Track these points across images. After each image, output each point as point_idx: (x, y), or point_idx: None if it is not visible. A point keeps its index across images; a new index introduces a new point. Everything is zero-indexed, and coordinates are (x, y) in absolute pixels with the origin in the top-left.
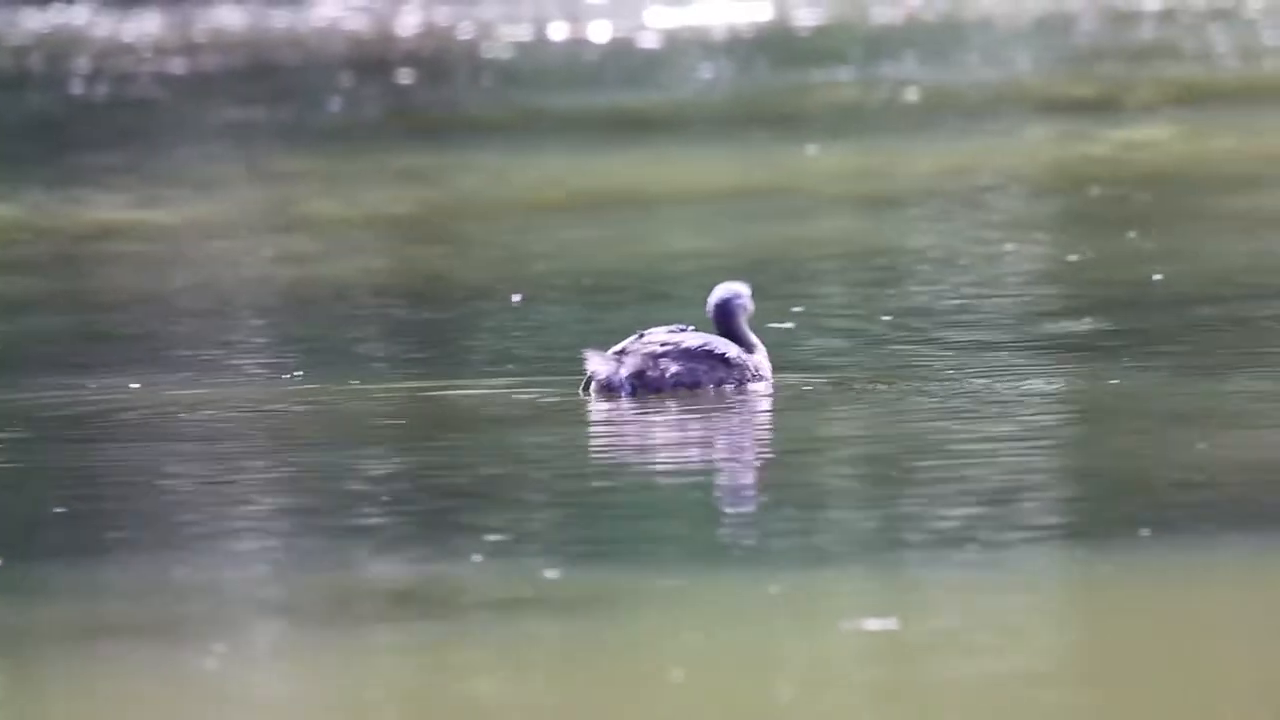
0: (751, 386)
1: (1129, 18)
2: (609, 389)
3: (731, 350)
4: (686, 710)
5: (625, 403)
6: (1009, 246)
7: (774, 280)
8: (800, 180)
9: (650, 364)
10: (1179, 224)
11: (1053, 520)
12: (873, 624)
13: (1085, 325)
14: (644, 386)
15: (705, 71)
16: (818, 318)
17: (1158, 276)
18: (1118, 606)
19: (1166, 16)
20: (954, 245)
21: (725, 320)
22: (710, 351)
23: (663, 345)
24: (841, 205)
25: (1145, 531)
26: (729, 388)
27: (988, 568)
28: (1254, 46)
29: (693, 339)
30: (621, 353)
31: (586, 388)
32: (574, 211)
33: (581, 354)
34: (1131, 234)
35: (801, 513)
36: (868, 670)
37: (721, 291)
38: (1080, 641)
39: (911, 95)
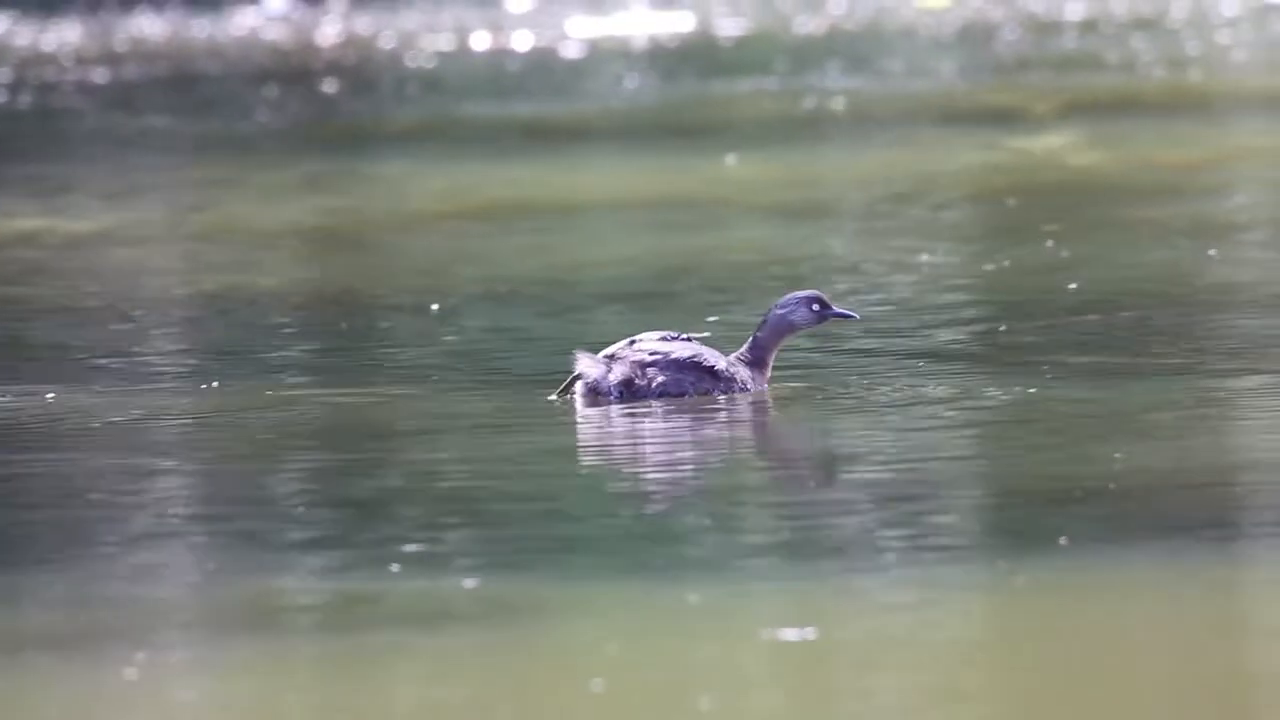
0: (737, 398)
1: (1051, 27)
2: (596, 393)
3: (720, 362)
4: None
5: (560, 409)
6: (925, 256)
7: (690, 289)
8: (719, 190)
9: (639, 373)
10: (1097, 233)
11: (970, 530)
12: (791, 634)
13: (1002, 334)
14: (631, 395)
15: (628, 81)
16: (735, 327)
17: (1073, 285)
18: (1035, 616)
19: (1089, 26)
20: (871, 254)
21: (768, 328)
22: (699, 363)
23: (652, 354)
24: (760, 214)
25: (1063, 540)
26: (716, 398)
27: (906, 578)
28: (1178, 56)
29: (683, 349)
30: (611, 358)
31: (566, 390)
32: (494, 220)
33: (572, 355)
34: (1049, 243)
35: (722, 522)
36: (786, 680)
37: (785, 307)
38: (997, 652)
39: (834, 105)
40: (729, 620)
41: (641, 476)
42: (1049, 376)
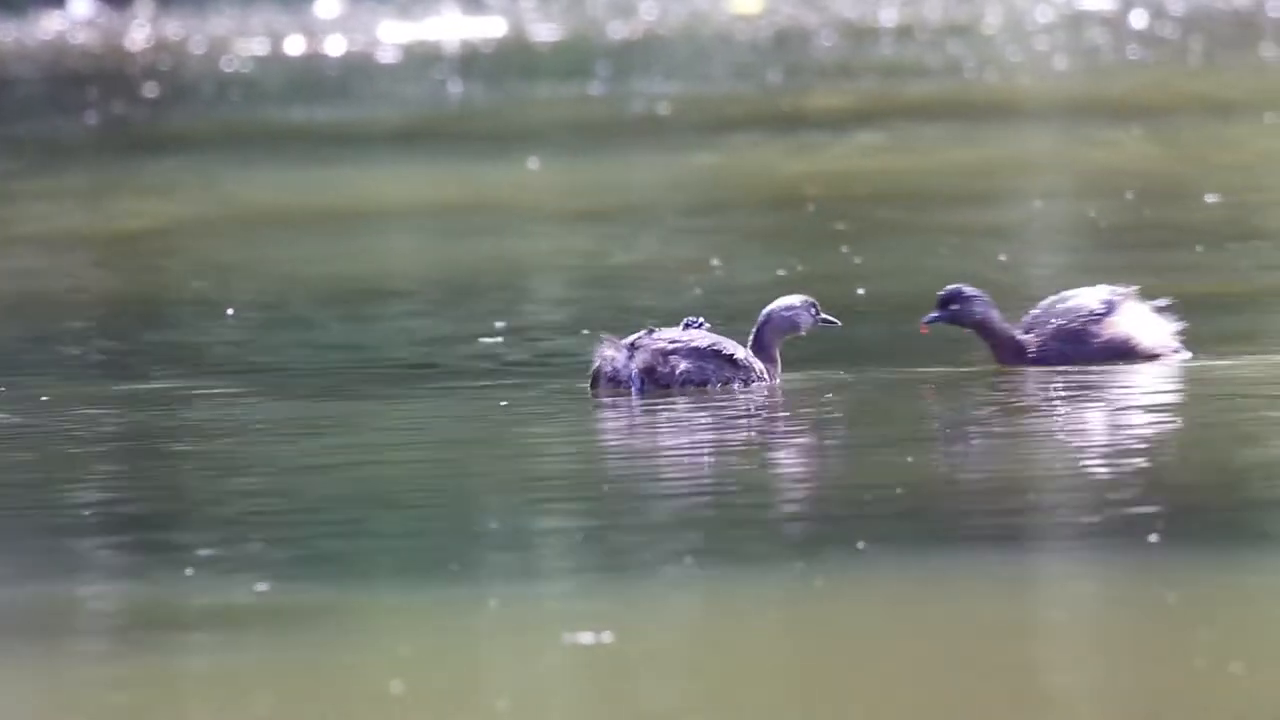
0: (756, 387)
1: (867, 33)
2: (616, 383)
3: (739, 351)
4: None
5: (353, 412)
6: (716, 260)
7: (480, 294)
8: (518, 194)
9: (660, 360)
10: (894, 238)
11: (767, 534)
12: (587, 638)
13: (791, 339)
14: (653, 383)
15: (440, 86)
16: (524, 331)
17: (861, 291)
18: (832, 621)
19: (904, 32)
20: (664, 258)
21: (760, 332)
22: (719, 351)
23: (672, 342)
24: (557, 219)
25: (861, 544)
26: (735, 387)
27: (704, 581)
28: (997, 62)
29: (703, 338)
30: (632, 347)
31: (595, 384)
32: (297, 225)
33: (598, 343)
34: (844, 248)
35: (519, 527)
36: (582, 684)
37: (775, 305)
38: (794, 656)
39: (645, 109)
40: (527, 624)
41: (443, 479)
42: (844, 380)
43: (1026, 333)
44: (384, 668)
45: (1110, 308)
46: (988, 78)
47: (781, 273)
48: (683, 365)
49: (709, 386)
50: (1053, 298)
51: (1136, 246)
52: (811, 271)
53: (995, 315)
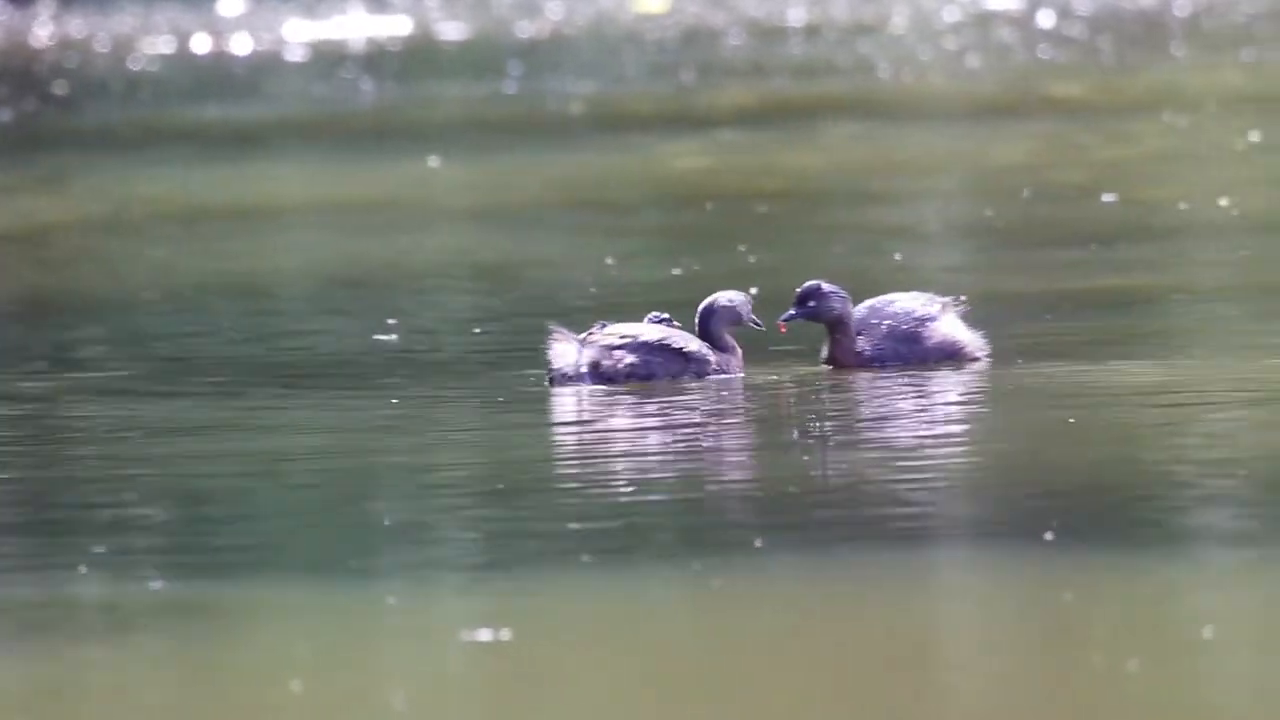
0: (712, 379)
1: (775, 33)
2: (565, 377)
3: (692, 344)
4: None
5: (240, 408)
6: (610, 260)
7: (373, 293)
8: (417, 192)
9: (606, 355)
10: (792, 238)
11: (666, 532)
12: (486, 635)
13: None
14: (599, 378)
15: (350, 84)
16: (420, 332)
17: (754, 290)
18: (730, 619)
19: (812, 31)
20: (558, 258)
21: (705, 324)
22: (667, 345)
23: (621, 337)
24: (454, 218)
25: (759, 542)
26: (687, 380)
27: (603, 580)
28: (903, 61)
29: (651, 332)
30: (583, 342)
31: (551, 381)
32: (203, 223)
33: (551, 338)
34: (742, 248)
35: (416, 524)
36: (480, 680)
37: (708, 299)
38: (692, 654)
39: (557, 108)
40: (425, 621)
41: (340, 477)
42: (736, 377)
43: (857, 335)
44: (282, 666)
45: (936, 312)
46: (895, 77)
47: (676, 271)
48: (628, 359)
49: (656, 380)
50: (871, 301)
51: (1030, 246)
52: (706, 270)
53: (851, 313)
